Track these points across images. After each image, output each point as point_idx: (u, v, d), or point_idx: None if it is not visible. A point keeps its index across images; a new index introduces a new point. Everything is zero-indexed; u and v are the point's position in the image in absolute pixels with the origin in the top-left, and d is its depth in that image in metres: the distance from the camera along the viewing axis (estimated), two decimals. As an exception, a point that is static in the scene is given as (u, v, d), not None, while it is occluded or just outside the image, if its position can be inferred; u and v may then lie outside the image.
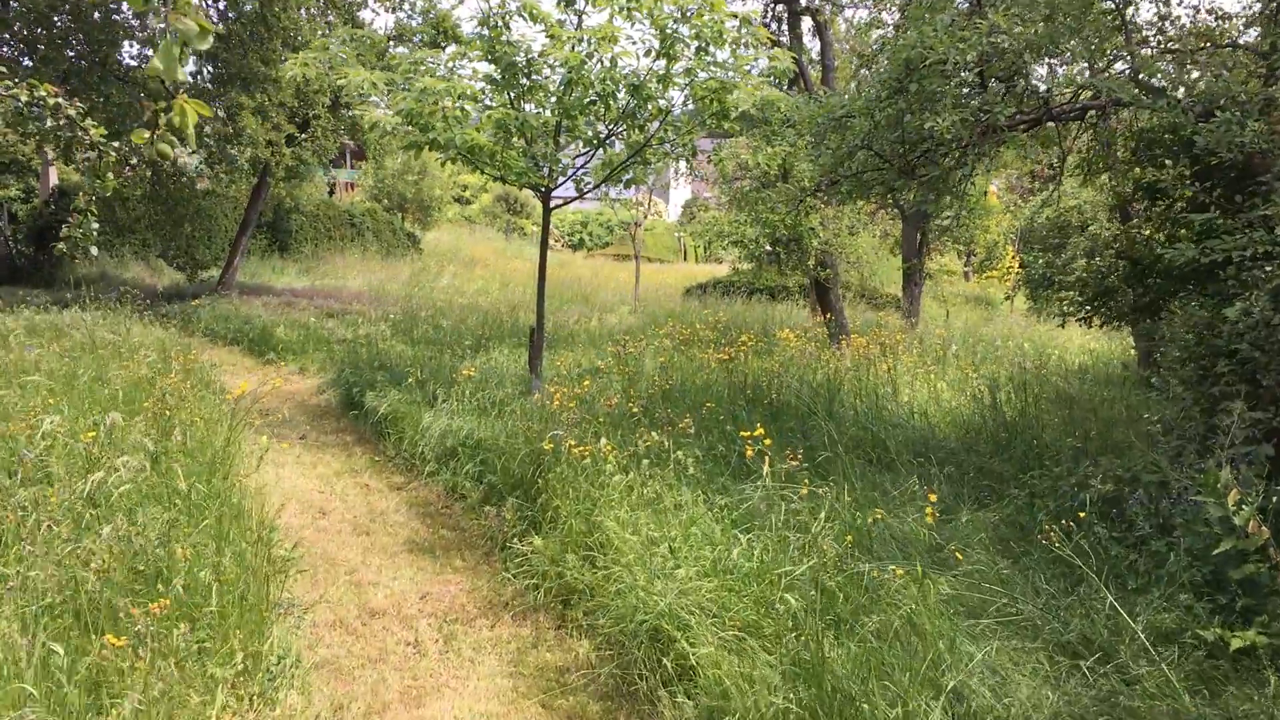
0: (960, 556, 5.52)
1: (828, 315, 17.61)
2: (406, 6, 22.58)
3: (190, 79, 20.28)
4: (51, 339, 10.41)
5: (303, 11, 20.12)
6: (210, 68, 20.06)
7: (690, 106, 11.46)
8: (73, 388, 7.19)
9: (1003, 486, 7.47)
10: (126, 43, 18.58)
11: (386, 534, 7.62)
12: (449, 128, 10.12)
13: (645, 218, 34.05)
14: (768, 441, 6.30)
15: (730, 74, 10.60)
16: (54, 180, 29.66)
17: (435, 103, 9.81)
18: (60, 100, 5.12)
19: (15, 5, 17.54)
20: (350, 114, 19.49)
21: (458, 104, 9.99)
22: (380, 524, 7.86)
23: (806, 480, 5.91)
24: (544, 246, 11.49)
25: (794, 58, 11.14)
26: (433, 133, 10.13)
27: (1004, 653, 4.68)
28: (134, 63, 19.49)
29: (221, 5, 19.92)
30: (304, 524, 7.71)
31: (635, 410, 7.75)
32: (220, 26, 20.12)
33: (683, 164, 20.78)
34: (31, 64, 16.53)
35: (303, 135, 22.33)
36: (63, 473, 5.19)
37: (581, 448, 6.67)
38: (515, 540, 6.83)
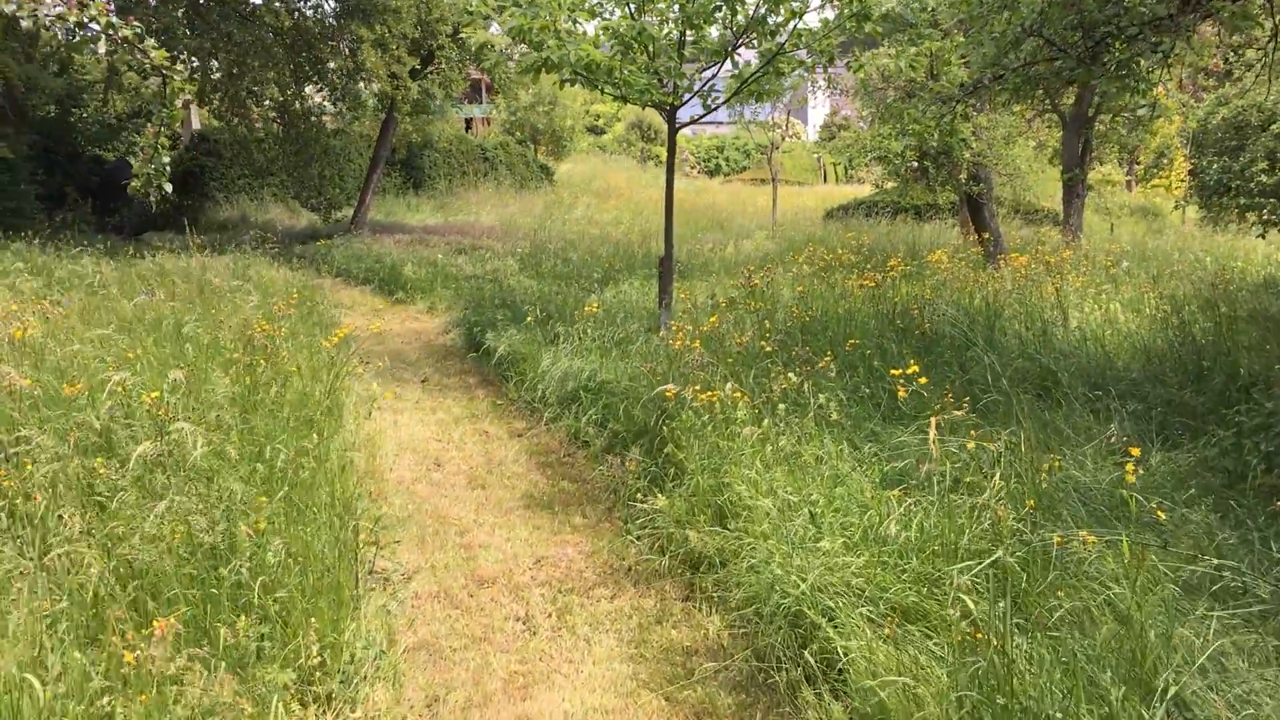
0: (1162, 515, 4.53)
1: (982, 234, 16.28)
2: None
3: (311, 13, 20.02)
4: (167, 284, 10.18)
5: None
6: (331, 3, 19.72)
7: (828, 7, 10.38)
8: (154, 339, 6.80)
9: (1199, 423, 6.40)
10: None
11: (503, 487, 7.05)
12: (562, 44, 9.34)
13: (783, 139, 32.71)
14: (923, 380, 5.40)
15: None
16: (196, 125, 30.18)
17: (547, 16, 9.04)
18: (113, 20, 4.54)
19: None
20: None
21: (571, 16, 9.19)
22: (497, 475, 7.30)
23: (972, 431, 5.00)
24: (670, 170, 10.65)
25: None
26: (546, 51, 9.37)
27: (1230, 645, 3.76)
28: (259, 3, 19.28)
29: (341, -65, 19.49)
30: (417, 477, 7.21)
31: (769, 348, 6.92)
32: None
33: (820, 77, 19.54)
34: (154, 1, 16.43)
35: (427, 69, 21.89)
36: (126, 438, 4.73)
37: (708, 394, 5.90)
38: (638, 495, 6.16)
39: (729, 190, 45.13)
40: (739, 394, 5.83)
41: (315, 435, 5.87)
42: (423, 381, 10.33)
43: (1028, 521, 4.34)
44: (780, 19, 9.84)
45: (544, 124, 43.66)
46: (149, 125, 5.02)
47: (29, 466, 4.11)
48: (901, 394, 5.49)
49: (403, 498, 6.66)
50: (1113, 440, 5.47)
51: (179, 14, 17.63)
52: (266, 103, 20.76)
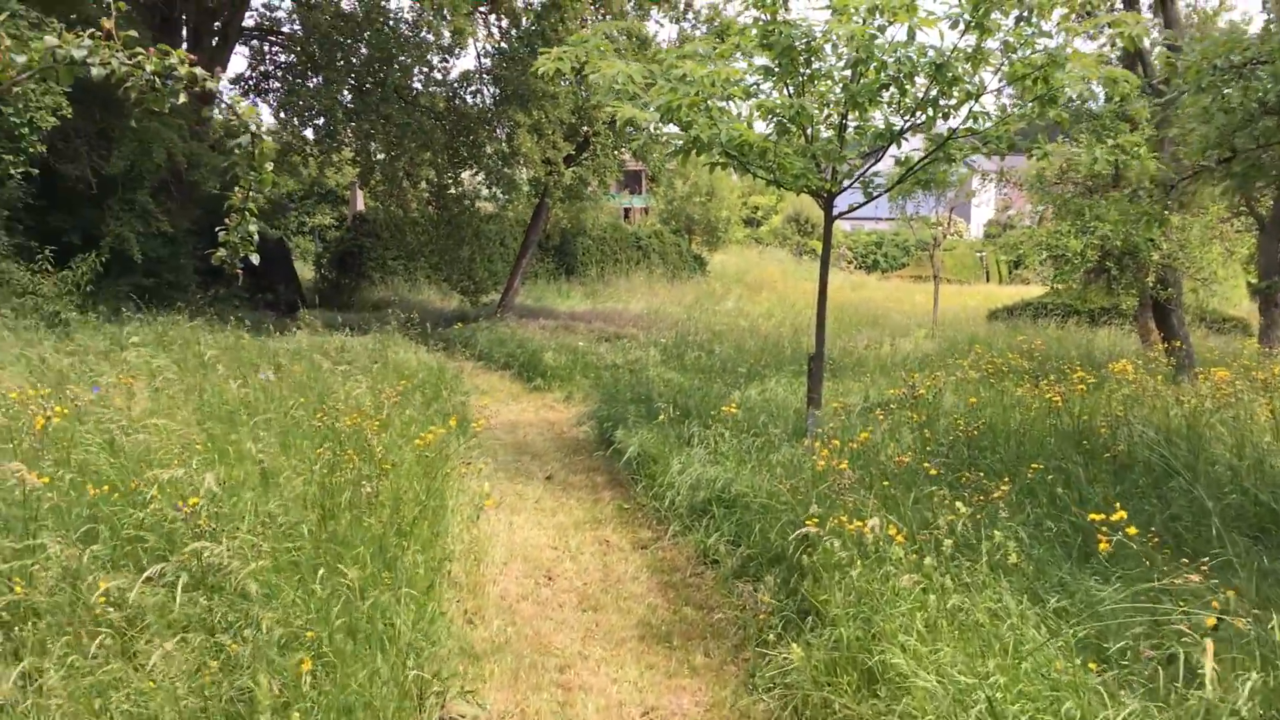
0: None
1: (1170, 342, 14.78)
2: (690, 16, 21.57)
3: (471, 102, 20.15)
4: (295, 362, 9.83)
5: (584, 23, 19.49)
6: (491, 89, 19.80)
7: (1005, 91, 9.47)
8: (246, 427, 6.27)
9: None
10: (403, 61, 18.56)
11: (618, 610, 6.19)
12: (713, 123, 8.69)
13: (944, 236, 31.45)
14: (1132, 531, 4.33)
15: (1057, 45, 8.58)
16: (360, 206, 31.00)
17: (697, 93, 8.40)
18: (196, 70, 4.03)
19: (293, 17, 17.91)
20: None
21: (723, 92, 8.53)
22: (613, 595, 6.45)
23: (1213, 601, 3.90)
24: (825, 261, 9.79)
25: (1139, 29, 8.92)
26: (695, 130, 8.74)
27: None
28: (419, 86, 19.52)
29: (504, 23, 19.63)
30: (523, 593, 6.41)
31: (933, 470, 5.89)
32: (501, 43, 19.87)
33: (989, 166, 18.44)
34: (314, 83, 16.74)
35: (582, 155, 21.75)
36: (161, 545, 4.08)
37: (858, 524, 4.94)
38: (770, 638, 5.21)
39: (886, 287, 43.90)
40: (896, 532, 4.85)
41: (404, 545, 5.17)
42: (547, 478, 9.62)
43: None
44: (953, 102, 8.97)
45: (700, 214, 43.43)
46: (236, 189, 4.46)
47: (18, 588, 3.49)
48: (1104, 546, 4.41)
49: (502, 618, 5.87)
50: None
51: (343, 96, 17.93)
52: (422, 185, 20.94)
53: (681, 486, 7.74)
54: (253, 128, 4.40)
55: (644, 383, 12.14)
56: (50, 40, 3.83)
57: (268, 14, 22.39)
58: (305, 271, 30.58)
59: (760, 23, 8.99)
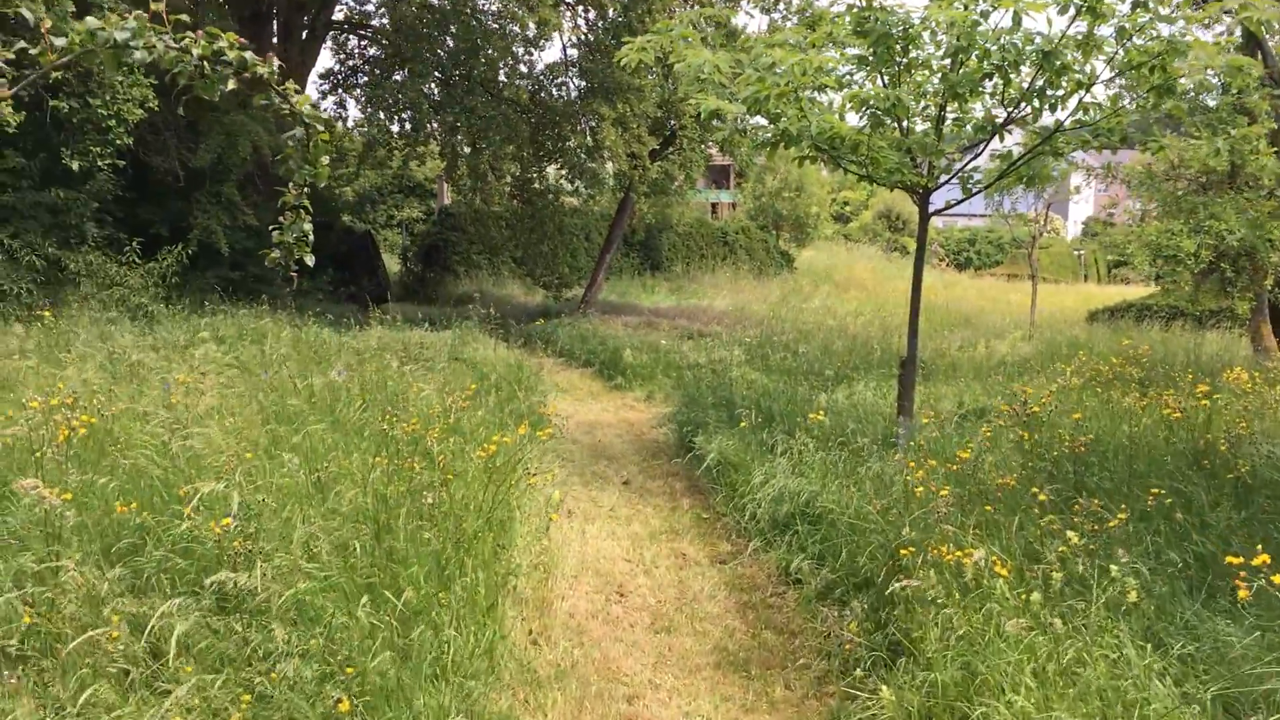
0: None
1: (1288, 349, 13.91)
2: (781, 7, 21.02)
3: (556, 94, 19.92)
4: (369, 361, 9.64)
5: (672, 14, 19.11)
6: (577, 82, 19.54)
7: (1117, 81, 8.86)
8: (306, 429, 6.01)
9: None
10: (490, 54, 18.38)
11: (692, 632, 5.82)
12: (803, 115, 8.24)
13: (1041, 234, 30.35)
14: (1278, 579, 3.81)
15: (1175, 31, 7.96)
16: (446, 200, 31.06)
17: (786, 83, 7.97)
18: (247, 54, 3.76)
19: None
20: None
21: (815, 82, 8.08)
22: (688, 615, 6.07)
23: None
24: (919, 259, 9.27)
25: (1270, 12, 8.24)
26: (784, 122, 8.31)
27: None
28: (504, 79, 19.34)
29: (591, 15, 19.34)
30: (593, 610, 6.07)
31: (1043, 495, 5.36)
32: (588, 34, 19.58)
33: (1094, 161, 17.59)
34: (400, 77, 16.65)
35: (668, 149, 21.37)
36: (192, 569, 3.81)
37: (957, 554, 4.49)
38: (858, 673, 4.79)
39: (980, 285, 42.73)
40: (997, 562, 4.39)
41: (465, 561, 4.87)
42: (623, 484, 9.28)
43: None
44: (1061, 92, 8.39)
45: (788, 209, 42.73)
46: (290, 185, 4.18)
47: (26, 617, 3.25)
48: (1244, 595, 3.90)
49: (570, 639, 5.53)
50: None
51: (428, 89, 17.83)
52: (506, 178, 20.79)
53: (763, 499, 7.33)
54: (306, 119, 4.11)
55: (726, 384, 11.73)
56: (92, 22, 3.59)
57: (356, 7, 22.48)
58: (393, 265, 30.76)
59: (854, 9, 8.51)
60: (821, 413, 8.19)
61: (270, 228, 4.48)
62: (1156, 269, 13.31)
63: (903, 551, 4.68)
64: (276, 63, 3.94)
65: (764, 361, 14.40)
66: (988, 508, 5.27)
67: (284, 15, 19.68)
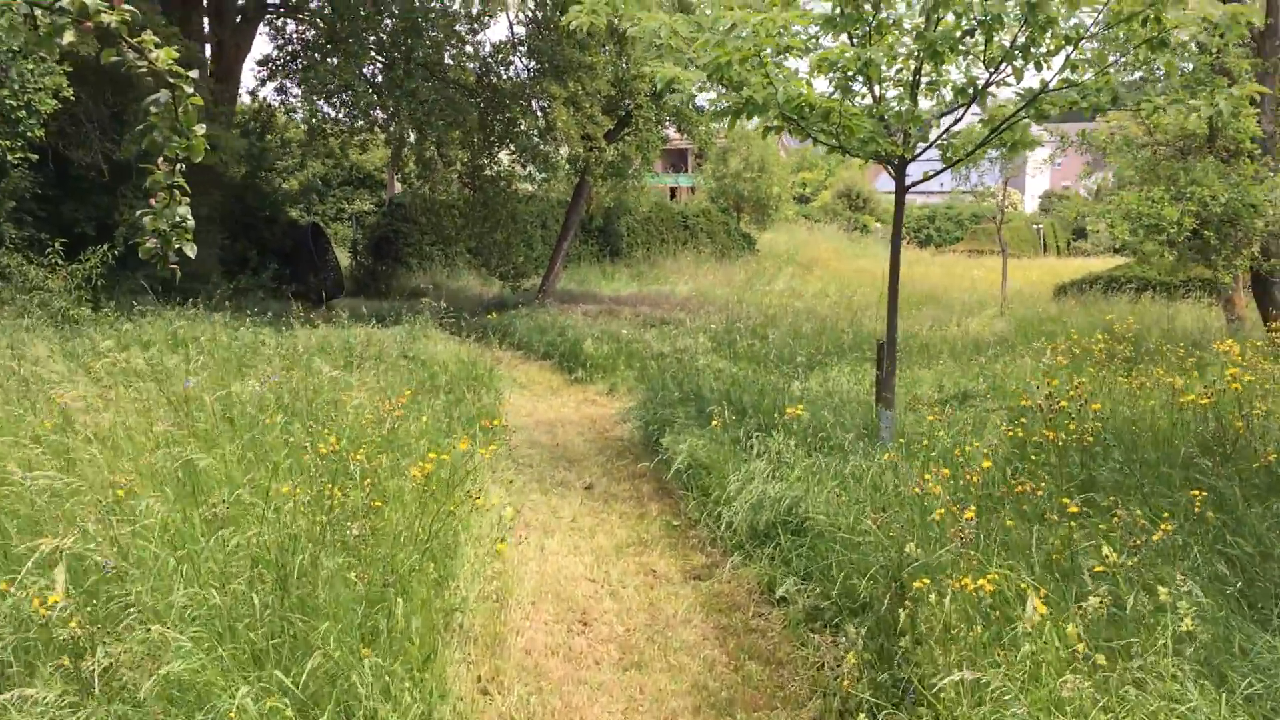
0: None
1: (1271, 319, 13.37)
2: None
3: (504, 76, 19.05)
4: (296, 367, 8.80)
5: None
6: (526, 61, 18.67)
7: (1103, 32, 8.16)
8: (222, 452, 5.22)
9: None
10: (434, 36, 17.45)
11: (667, 668, 5.09)
12: (769, 81, 7.52)
13: (1003, 209, 29.84)
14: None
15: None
16: (397, 189, 30.08)
17: (751, 47, 7.24)
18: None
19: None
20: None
21: (779, 44, 7.34)
22: (660, 647, 5.34)
23: None
24: (896, 237, 8.59)
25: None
26: (748, 90, 7.58)
27: None
28: (450, 62, 18.42)
29: (537, -10, 18.49)
30: (553, 644, 5.32)
31: (1074, 507, 4.62)
32: (536, 10, 18.72)
33: (1067, 127, 17.02)
34: (335, 59, 15.75)
35: (624, 130, 20.56)
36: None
37: (975, 584, 3.77)
38: (861, 717, 4.09)
39: (943, 262, 42.29)
40: (1029, 589, 3.69)
41: (398, 602, 4.10)
42: (586, 489, 8.54)
43: None
44: (1044, 49, 7.72)
45: (749, 190, 41.99)
46: (160, 160, 3.39)
47: None
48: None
49: (526, 684, 4.78)
50: None
51: (368, 72, 16.92)
52: (456, 165, 19.90)
53: (740, 505, 6.61)
54: (171, 79, 3.31)
55: (693, 375, 11.00)
56: None
57: (293, -10, 21.44)
58: (344, 258, 29.74)
59: (819, -36, 7.79)
60: (799, 407, 7.47)
61: (139, 213, 3.70)
62: (1138, 239, 12.70)
63: (917, 585, 3.96)
64: (128, 9, 3.14)
65: (731, 349, 13.70)
66: (1009, 522, 4.54)
67: (215, -2, 18.67)
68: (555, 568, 6.52)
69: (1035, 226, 55.39)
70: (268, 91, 20.86)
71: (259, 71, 31.04)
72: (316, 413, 6.56)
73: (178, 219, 3.55)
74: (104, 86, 14.16)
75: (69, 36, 3.06)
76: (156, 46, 3.27)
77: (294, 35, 20.88)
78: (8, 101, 11.81)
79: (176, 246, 3.64)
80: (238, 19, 19.33)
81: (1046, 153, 18.54)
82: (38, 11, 3.02)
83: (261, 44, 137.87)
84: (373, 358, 11.03)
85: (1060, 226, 55.14)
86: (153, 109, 3.42)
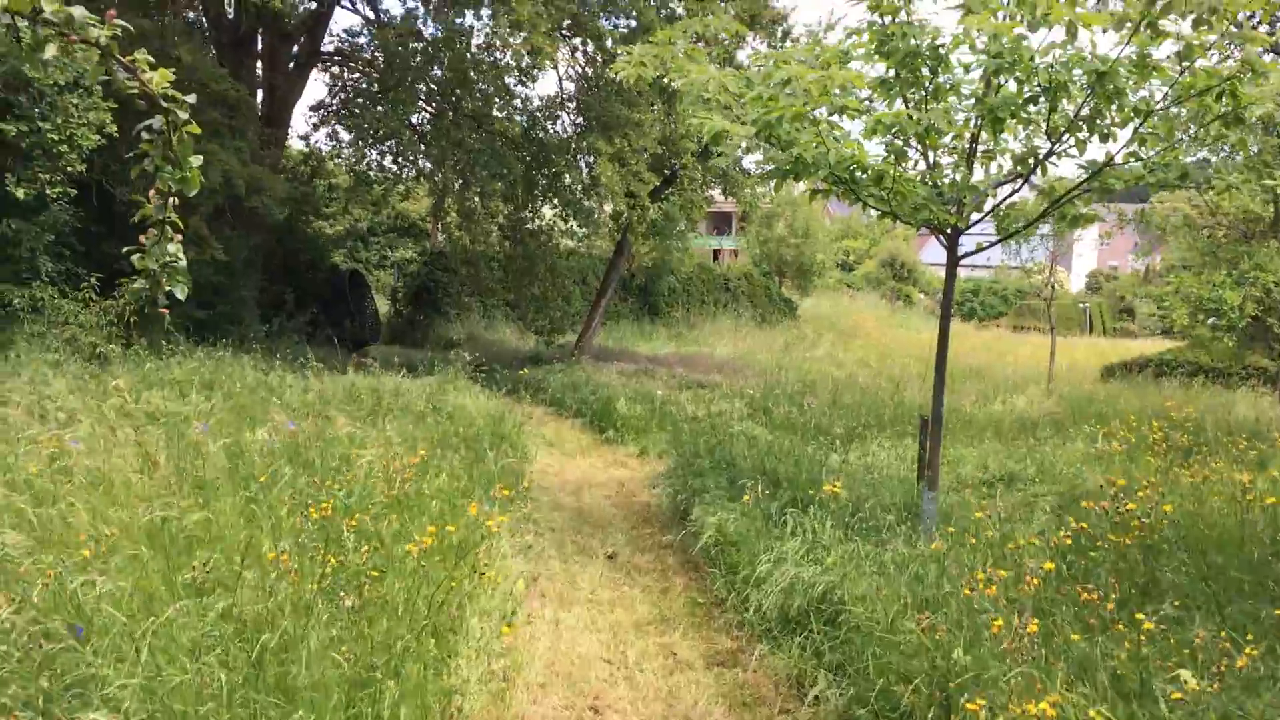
0: None
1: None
2: (789, 44, 20.11)
3: (551, 130, 18.95)
4: (318, 415, 8.50)
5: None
6: (573, 117, 18.56)
7: (1176, 108, 7.74)
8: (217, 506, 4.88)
9: None
10: (484, 89, 17.39)
11: (683, 768, 4.64)
12: (820, 140, 7.21)
13: (1051, 285, 29.32)
14: None
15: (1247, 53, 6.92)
16: (440, 240, 30.09)
17: (803, 103, 6.93)
18: (74, 10, 2.69)
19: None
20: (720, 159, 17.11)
21: (834, 104, 7.03)
22: (678, 743, 4.90)
23: None
24: (946, 308, 8.20)
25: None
26: (798, 149, 7.26)
27: None
28: (498, 114, 18.34)
29: (589, 47, 18.40)
30: (559, 735, 4.90)
31: (1149, 624, 4.14)
32: (585, 67, 18.65)
33: (1125, 205, 16.57)
34: (384, 107, 15.71)
35: (668, 189, 20.36)
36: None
37: (1038, 707, 3.32)
38: None
39: (985, 337, 41.63)
40: (1098, 718, 3.24)
41: (389, 686, 3.71)
42: (608, 557, 8.12)
43: None
44: (1109, 121, 7.34)
45: (793, 255, 41.74)
46: (152, 193, 3.09)
47: None
48: None
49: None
50: None
51: (417, 120, 16.87)
52: (498, 217, 19.77)
53: (771, 588, 6.16)
54: (165, 103, 3.02)
55: (727, 439, 10.58)
56: None
57: (349, 39, 21.58)
58: (384, 306, 29.71)
59: (875, 26, 7.45)
60: (837, 484, 7.04)
61: (124, 251, 3.41)
62: (1197, 324, 12.20)
63: (970, 706, 3.51)
64: (120, 24, 2.87)
65: (767, 416, 13.27)
66: (1075, 637, 4.07)
67: (269, 43, 18.75)
68: (569, 645, 6.09)
69: (1082, 305, 54.72)
70: (319, 137, 20.85)
71: (310, 117, 31.36)
72: (325, 468, 6.22)
73: (168, 258, 3.24)
74: (149, 123, 14.13)
75: (51, 50, 2.78)
76: (151, 67, 2.99)
77: (346, 83, 20.99)
78: (49, 135, 11.76)
79: (167, 289, 3.33)
80: (290, 65, 19.43)
81: (1098, 230, 18.09)
82: (21, 23, 2.74)
83: (318, 90, 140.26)
84: (398, 409, 10.74)
85: (1109, 306, 54.44)
86: (144, 135, 3.13)
